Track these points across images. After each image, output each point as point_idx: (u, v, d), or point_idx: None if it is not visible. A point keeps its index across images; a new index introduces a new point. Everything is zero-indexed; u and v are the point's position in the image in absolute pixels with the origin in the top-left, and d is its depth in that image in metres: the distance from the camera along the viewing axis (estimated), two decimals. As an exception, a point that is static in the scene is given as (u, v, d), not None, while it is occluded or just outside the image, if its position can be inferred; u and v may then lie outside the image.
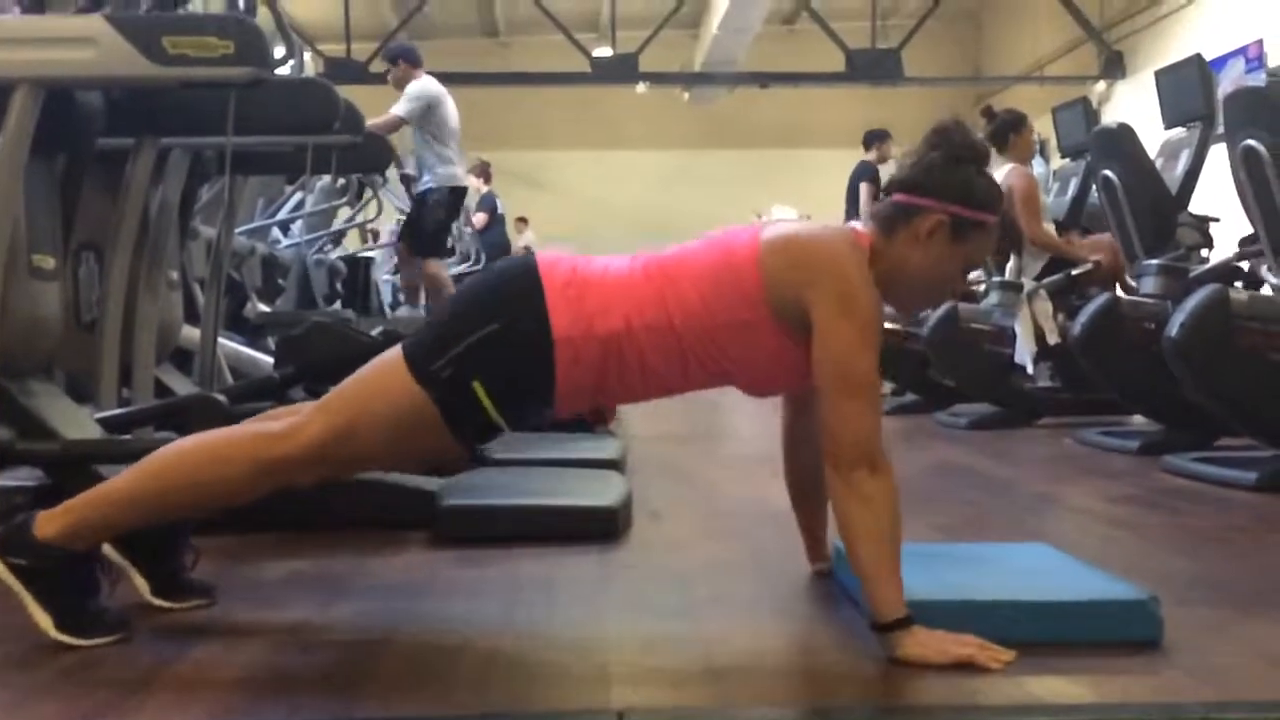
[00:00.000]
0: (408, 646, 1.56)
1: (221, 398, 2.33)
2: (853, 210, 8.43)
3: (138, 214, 2.76)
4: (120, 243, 2.72)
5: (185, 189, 3.10)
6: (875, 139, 8.60)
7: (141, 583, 1.69)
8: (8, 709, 1.30)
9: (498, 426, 1.59)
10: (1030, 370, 4.92)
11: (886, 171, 8.59)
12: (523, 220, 13.82)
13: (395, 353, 1.59)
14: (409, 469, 1.89)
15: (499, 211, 10.05)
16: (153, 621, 1.63)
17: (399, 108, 5.90)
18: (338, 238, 6.98)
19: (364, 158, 3.48)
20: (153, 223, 2.91)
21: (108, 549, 1.61)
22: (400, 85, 6.10)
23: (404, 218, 6.68)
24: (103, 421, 2.50)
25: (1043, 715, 1.25)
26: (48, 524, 1.53)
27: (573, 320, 1.54)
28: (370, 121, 5.97)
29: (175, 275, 3.17)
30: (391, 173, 6.34)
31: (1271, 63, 9.50)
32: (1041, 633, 1.50)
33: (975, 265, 1.65)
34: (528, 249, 10.87)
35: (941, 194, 1.58)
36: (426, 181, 6.08)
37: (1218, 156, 3.98)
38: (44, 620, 1.50)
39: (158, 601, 1.69)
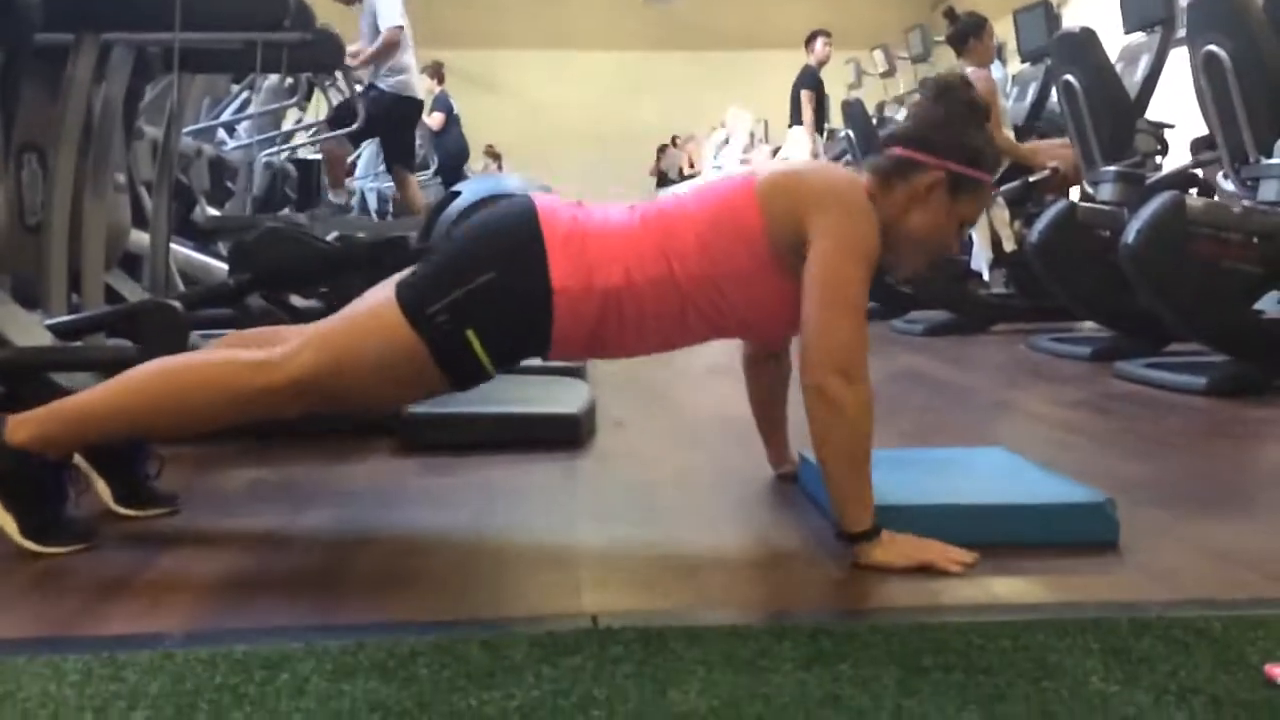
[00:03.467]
0: (379, 554, 1.56)
1: (177, 304, 2.28)
2: (797, 115, 8.39)
3: (80, 113, 2.66)
4: (64, 143, 2.63)
5: (129, 87, 2.98)
6: (812, 39, 8.55)
7: (105, 489, 1.67)
8: (-23, 617, 1.29)
9: (488, 372, 1.58)
10: (986, 277, 4.97)
11: (831, 73, 8.55)
12: (494, 155, 13.57)
13: (388, 292, 1.55)
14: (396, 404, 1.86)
15: (454, 112, 9.80)
16: (118, 530, 1.62)
17: (389, 19, 5.77)
18: (285, 139, 6.79)
19: (315, 56, 3.36)
20: (96, 123, 2.81)
21: (76, 457, 1.58)
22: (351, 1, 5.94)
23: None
24: (53, 328, 2.44)
25: (1004, 614, 1.28)
26: (19, 429, 1.50)
27: (572, 272, 1.52)
28: (371, 50, 5.85)
29: (122, 178, 3.08)
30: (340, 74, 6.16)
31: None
32: (1002, 535, 1.53)
33: (969, 224, 1.64)
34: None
35: (942, 151, 1.56)
36: (383, 84, 5.94)
37: (1171, 62, 3.98)
38: (9, 525, 1.49)
39: (121, 509, 1.68)
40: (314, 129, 6.42)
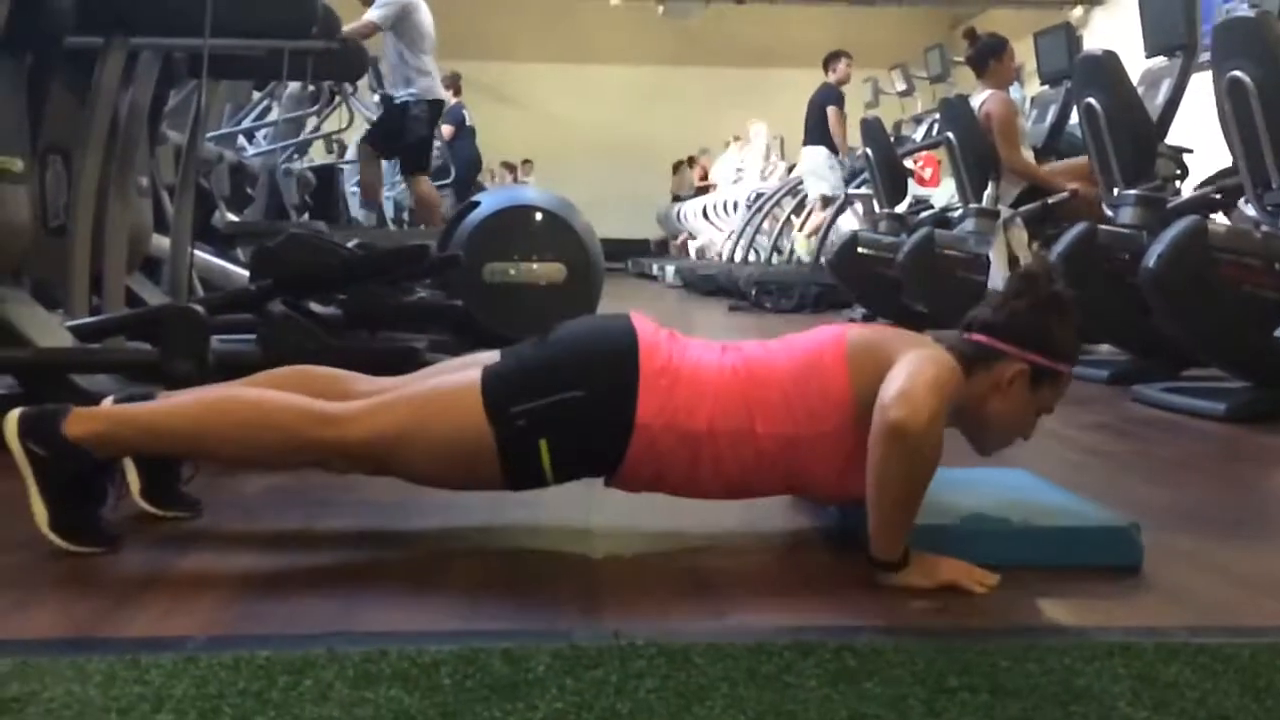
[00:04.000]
0: (398, 561, 1.56)
1: (198, 308, 2.29)
2: (815, 134, 8.39)
3: (107, 116, 2.68)
4: (89, 146, 2.65)
5: (155, 92, 3.01)
6: (833, 59, 8.56)
7: (135, 479, 1.67)
8: (7, 611, 1.29)
9: (547, 481, 1.57)
10: (1003, 298, 4.95)
11: (849, 92, 8.56)
12: (527, 162, 13.61)
13: (472, 377, 1.54)
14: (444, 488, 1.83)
15: (467, 124, 9.85)
16: (140, 532, 1.62)
17: (373, 13, 5.74)
18: (303, 147, 6.84)
19: (339, 64, 3.39)
20: (122, 126, 2.83)
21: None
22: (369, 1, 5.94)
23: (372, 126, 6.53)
24: (74, 329, 2.45)
25: (1030, 637, 1.27)
26: (79, 424, 1.50)
27: (659, 410, 1.51)
28: (344, 28, 5.81)
29: (145, 182, 3.10)
30: (361, 82, 6.19)
31: (1250, -8, 9.46)
32: (1026, 557, 1.53)
33: (1047, 412, 1.64)
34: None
35: (1024, 342, 1.56)
36: (407, 94, 5.95)
37: (1191, 86, 3.97)
38: (41, 514, 1.48)
39: (144, 504, 1.67)
40: (334, 136, 6.46)
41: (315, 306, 2.92)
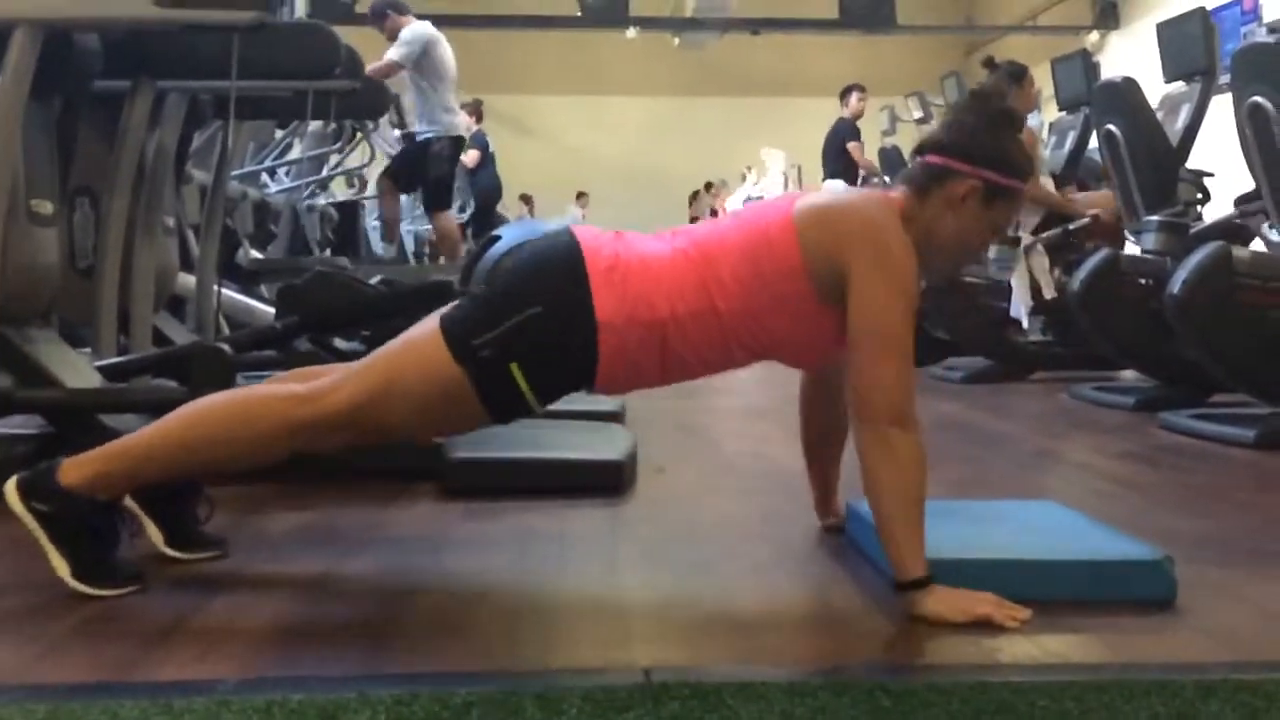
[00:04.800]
0: (426, 602, 1.55)
1: (225, 347, 2.30)
2: (833, 168, 8.41)
3: (134, 158, 2.71)
4: (117, 187, 2.68)
5: (181, 133, 3.04)
6: (847, 93, 8.60)
7: (156, 532, 1.68)
8: (33, 661, 1.29)
9: (530, 407, 1.58)
10: (1025, 324, 4.94)
11: (866, 120, 8.60)
12: (582, 194, 13.70)
13: (432, 325, 1.57)
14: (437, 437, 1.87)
15: (490, 150, 9.89)
16: (167, 574, 1.63)
17: (394, 52, 5.79)
18: (325, 183, 6.89)
19: (363, 103, 3.42)
20: (149, 167, 2.86)
21: (127, 499, 1.59)
22: (392, 36, 6.00)
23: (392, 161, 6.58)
24: (102, 369, 2.47)
25: (1065, 674, 1.26)
26: (72, 471, 1.52)
27: (617, 305, 1.53)
28: (367, 68, 5.87)
29: (171, 221, 3.13)
30: (383, 118, 6.25)
31: (1267, 15, 9.45)
32: (1057, 591, 1.51)
33: (1001, 230, 1.65)
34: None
35: (977, 158, 1.57)
36: (428, 131, 5.99)
37: (1211, 110, 3.96)
38: (61, 567, 1.50)
39: (171, 552, 1.68)
40: (355, 172, 6.51)
41: (340, 342, 2.94)
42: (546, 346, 1.54)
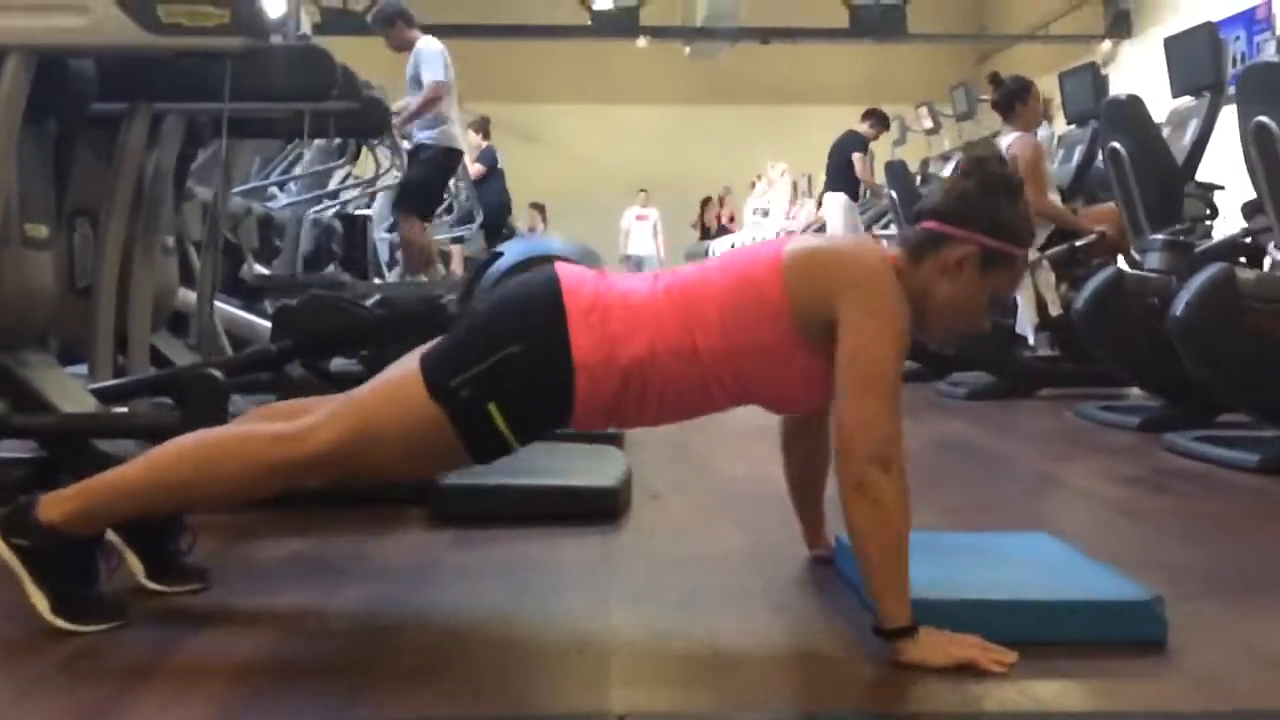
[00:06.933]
0: (411, 639, 1.54)
1: (217, 372, 2.30)
2: (836, 179, 8.40)
3: (132, 180, 2.71)
4: (115, 209, 2.68)
5: (180, 153, 3.05)
6: (869, 115, 8.60)
7: (136, 564, 1.67)
8: (10, 702, 1.29)
9: (510, 446, 1.58)
10: (1031, 340, 4.91)
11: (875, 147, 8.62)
12: (539, 208, 13.67)
13: (411, 365, 1.56)
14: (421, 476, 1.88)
15: (499, 166, 9.90)
16: (148, 607, 1.62)
17: (427, 75, 5.83)
18: (333, 196, 6.90)
19: (360, 122, 3.42)
20: (147, 188, 2.86)
21: (108, 532, 1.59)
22: (400, 47, 6.01)
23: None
24: (97, 392, 2.47)
25: (1049, 724, 1.24)
26: (52, 507, 1.52)
27: (595, 346, 1.52)
28: (414, 104, 5.91)
29: (171, 241, 3.13)
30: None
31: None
32: (1045, 633, 1.49)
33: (1001, 298, 1.63)
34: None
35: (973, 224, 1.55)
36: (425, 136, 6.00)
37: (1222, 121, 3.93)
38: (41, 603, 1.49)
39: (152, 585, 1.68)
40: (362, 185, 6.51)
41: (339, 362, 2.94)
42: (524, 386, 1.53)
